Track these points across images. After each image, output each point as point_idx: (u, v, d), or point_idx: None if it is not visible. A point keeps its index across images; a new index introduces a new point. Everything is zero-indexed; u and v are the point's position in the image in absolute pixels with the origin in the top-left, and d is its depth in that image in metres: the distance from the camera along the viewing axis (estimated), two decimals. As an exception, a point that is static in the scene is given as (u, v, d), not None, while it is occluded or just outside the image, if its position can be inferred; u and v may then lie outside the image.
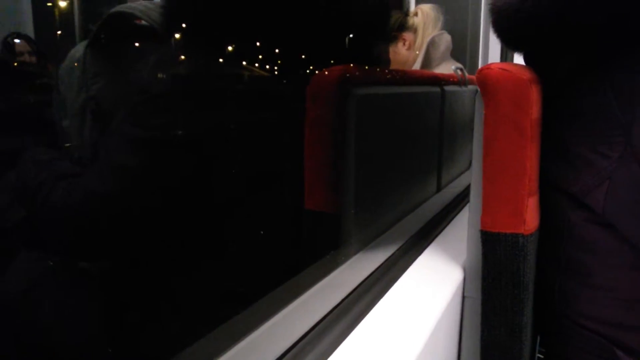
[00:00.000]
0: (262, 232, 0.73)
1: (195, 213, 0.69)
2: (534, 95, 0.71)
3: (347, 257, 0.76)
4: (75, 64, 0.80)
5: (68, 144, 0.79)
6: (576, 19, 0.66)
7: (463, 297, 0.83)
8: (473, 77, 1.21)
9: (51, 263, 0.71)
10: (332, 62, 0.81)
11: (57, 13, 0.69)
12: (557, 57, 0.77)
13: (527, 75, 0.71)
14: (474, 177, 0.78)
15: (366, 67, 0.92)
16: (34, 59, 0.67)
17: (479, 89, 0.74)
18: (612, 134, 0.69)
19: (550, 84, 0.77)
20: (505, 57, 1.91)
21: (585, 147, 0.73)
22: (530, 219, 0.74)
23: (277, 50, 0.77)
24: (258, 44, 0.76)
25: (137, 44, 0.77)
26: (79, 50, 0.80)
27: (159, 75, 0.72)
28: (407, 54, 1.81)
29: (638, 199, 0.67)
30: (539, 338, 0.98)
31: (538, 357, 1.06)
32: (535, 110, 0.71)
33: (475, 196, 0.78)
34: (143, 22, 0.74)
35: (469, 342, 0.84)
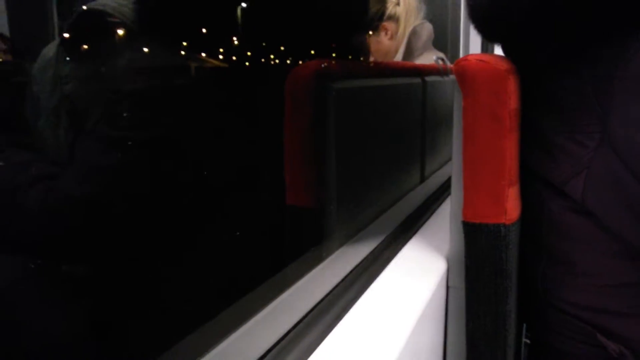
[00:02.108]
0: (244, 230, 0.73)
1: (174, 212, 0.68)
2: (512, 85, 0.71)
3: (330, 251, 0.76)
4: (48, 64, 0.78)
5: (44, 145, 0.78)
6: (551, 11, 0.66)
7: (447, 288, 0.83)
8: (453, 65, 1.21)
9: (32, 266, 0.71)
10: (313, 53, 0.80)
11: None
12: (534, 48, 0.77)
13: (504, 66, 0.71)
14: (454, 169, 0.78)
15: (345, 60, 0.91)
16: (9, 57, 0.66)
17: (456, 81, 0.74)
18: (590, 124, 0.69)
19: (528, 74, 0.77)
20: (486, 46, 1.90)
21: (563, 136, 0.73)
22: (512, 209, 0.74)
23: (255, 45, 0.76)
24: (235, 38, 0.75)
25: (109, 42, 0.75)
26: (51, 49, 0.78)
27: (133, 73, 0.71)
28: (390, 43, 1.80)
29: (616, 188, 0.67)
30: (525, 325, 0.99)
31: (525, 342, 1.07)
32: (513, 101, 0.71)
33: (456, 187, 0.78)
34: (115, 19, 0.73)
35: (454, 332, 0.84)
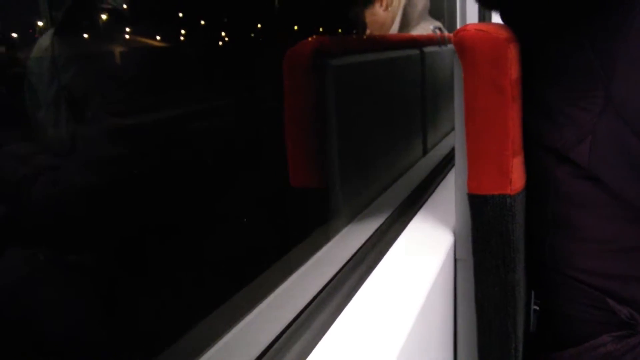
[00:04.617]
0: (250, 215, 0.73)
1: (177, 198, 0.68)
2: (512, 54, 0.70)
3: (337, 231, 0.76)
4: (44, 54, 0.77)
5: (45, 137, 0.78)
6: None
7: (455, 260, 0.83)
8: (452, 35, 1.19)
9: (41, 258, 0.71)
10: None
11: None
12: (535, 15, 0.76)
13: (504, 34, 0.70)
14: (457, 141, 0.78)
15: (342, 35, 0.90)
16: (2, 48, 0.65)
17: (456, 52, 0.73)
18: (593, 89, 0.68)
19: (529, 41, 0.76)
20: (484, 13, 1.88)
21: (566, 103, 0.72)
22: (516, 179, 0.73)
23: (253, 30, 0.75)
24: (231, 17, 0.74)
25: (104, 28, 0.75)
26: (46, 39, 0.78)
27: (130, 59, 0.70)
28: (385, 15, 1.78)
29: (621, 152, 0.67)
30: (533, 292, 1.00)
31: (534, 309, 1.08)
32: (514, 70, 0.71)
33: (460, 160, 0.78)
34: (109, 5, 0.72)
35: (464, 303, 0.85)
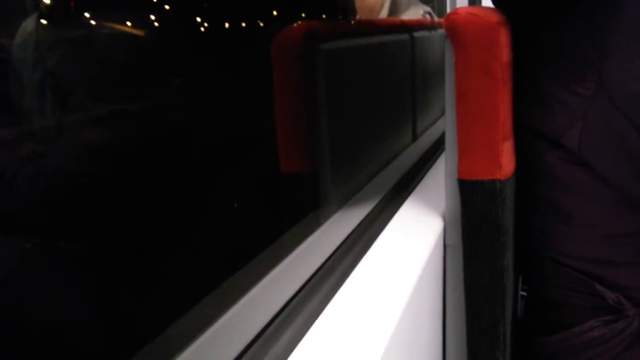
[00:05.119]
0: (237, 200, 0.72)
1: (166, 184, 0.67)
2: (504, 38, 0.70)
3: (327, 217, 0.76)
4: (28, 38, 0.76)
5: (30, 124, 0.76)
6: None
7: (444, 246, 0.84)
8: (442, 20, 1.18)
9: (28, 246, 0.70)
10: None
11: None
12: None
13: (495, 18, 0.69)
14: (447, 126, 0.77)
15: (332, 20, 0.89)
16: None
17: (447, 36, 0.72)
18: (585, 73, 0.68)
19: (520, 24, 0.76)
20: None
21: (558, 87, 0.72)
22: (506, 164, 0.73)
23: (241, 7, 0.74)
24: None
25: (90, 12, 0.73)
26: (30, 23, 0.76)
27: (117, 43, 0.69)
28: (374, 0, 1.77)
29: (612, 137, 0.67)
30: (520, 277, 1.01)
31: (521, 294, 1.09)
32: (505, 54, 0.70)
33: (450, 145, 0.78)
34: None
35: (453, 289, 0.85)
